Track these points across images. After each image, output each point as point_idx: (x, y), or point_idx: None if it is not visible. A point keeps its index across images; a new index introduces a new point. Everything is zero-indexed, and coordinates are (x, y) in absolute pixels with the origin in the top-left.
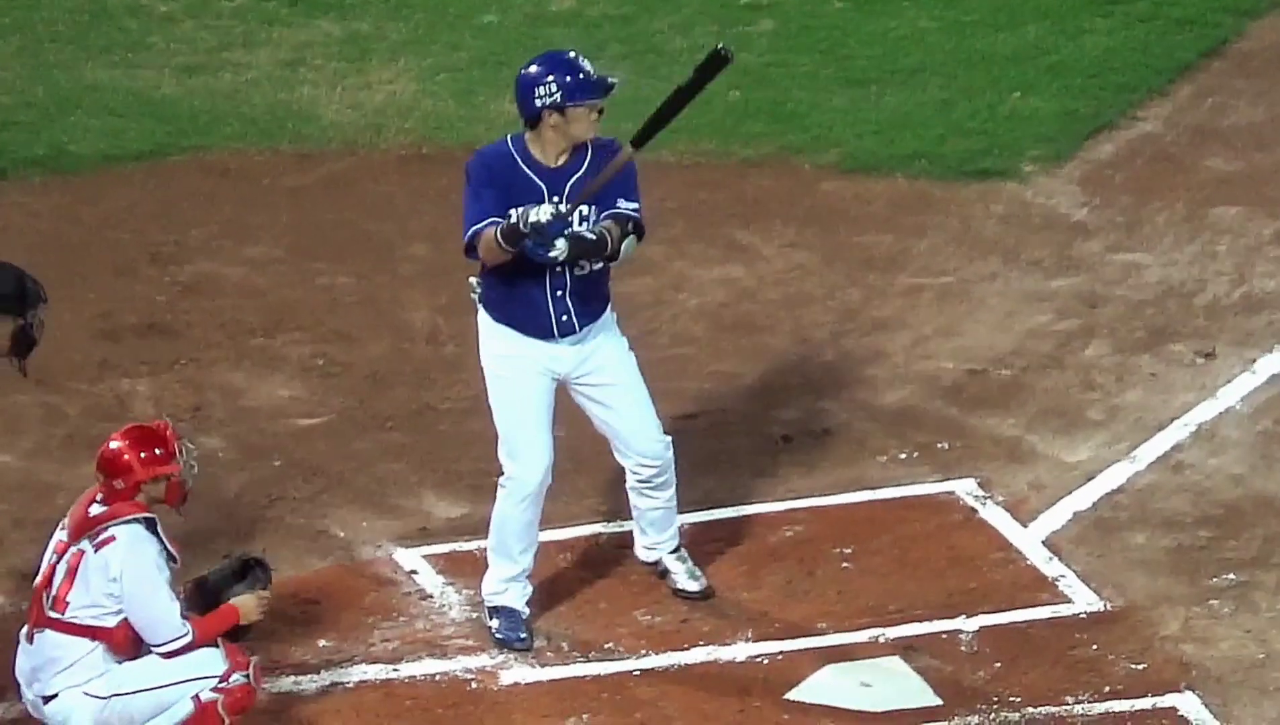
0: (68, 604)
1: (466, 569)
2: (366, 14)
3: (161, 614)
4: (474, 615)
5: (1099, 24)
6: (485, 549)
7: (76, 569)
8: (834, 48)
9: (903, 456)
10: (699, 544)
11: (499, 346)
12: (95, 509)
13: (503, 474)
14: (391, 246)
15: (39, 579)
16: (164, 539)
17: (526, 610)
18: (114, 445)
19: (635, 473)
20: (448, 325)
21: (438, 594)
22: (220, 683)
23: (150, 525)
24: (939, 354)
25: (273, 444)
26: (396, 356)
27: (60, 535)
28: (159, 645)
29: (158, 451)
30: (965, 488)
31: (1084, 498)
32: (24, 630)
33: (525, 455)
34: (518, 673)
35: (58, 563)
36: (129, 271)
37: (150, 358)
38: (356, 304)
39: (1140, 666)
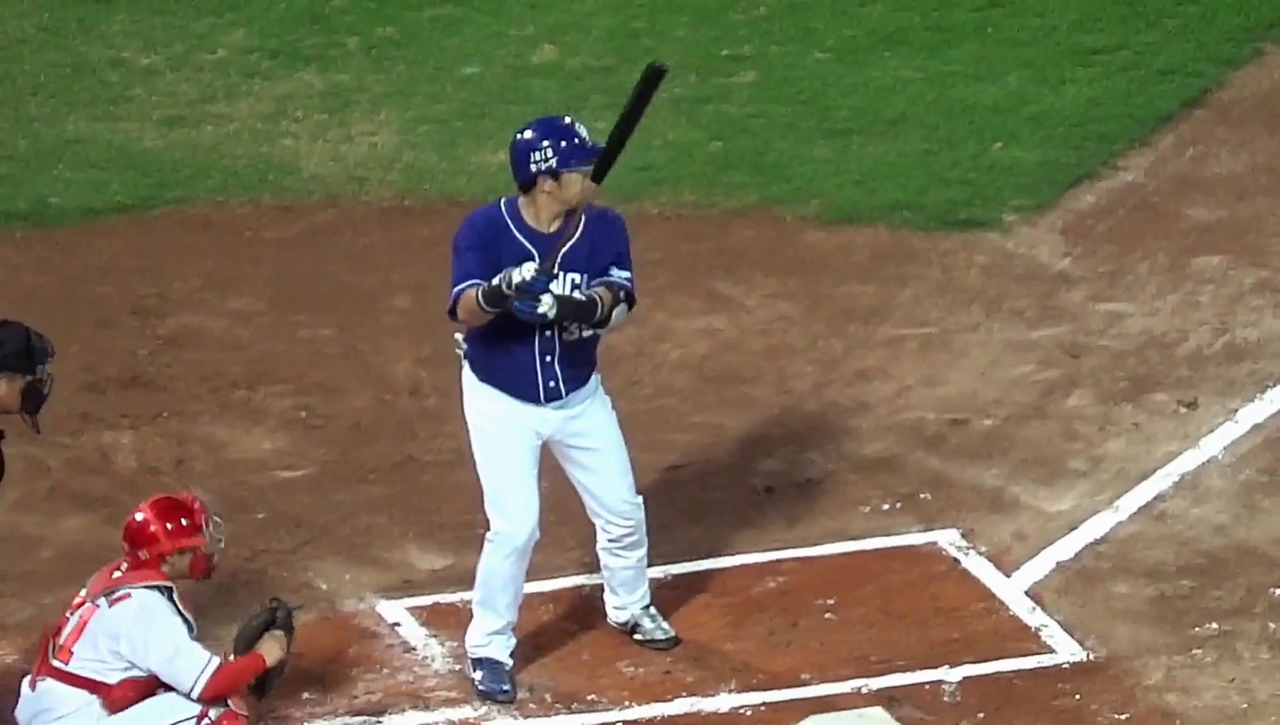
0: (73, 654)
1: (450, 621)
2: (348, 66)
3: (184, 651)
4: (457, 667)
5: (1080, 74)
6: (468, 601)
7: (87, 623)
8: (815, 98)
9: (885, 507)
10: (683, 594)
11: (484, 405)
12: (118, 575)
13: (489, 529)
14: (374, 298)
15: (49, 629)
16: (179, 607)
17: (510, 662)
18: (140, 516)
19: (606, 531)
20: (430, 377)
21: (421, 646)
22: (201, 720)
23: (167, 594)
24: (921, 404)
25: (255, 497)
26: (379, 408)
27: (80, 594)
28: (191, 686)
29: (184, 522)
30: (948, 538)
31: (1067, 548)
32: (27, 679)
33: (512, 511)
34: (501, 724)
35: (70, 615)
36: (111, 324)
37: (132, 411)
38: (339, 356)
39: (1124, 716)
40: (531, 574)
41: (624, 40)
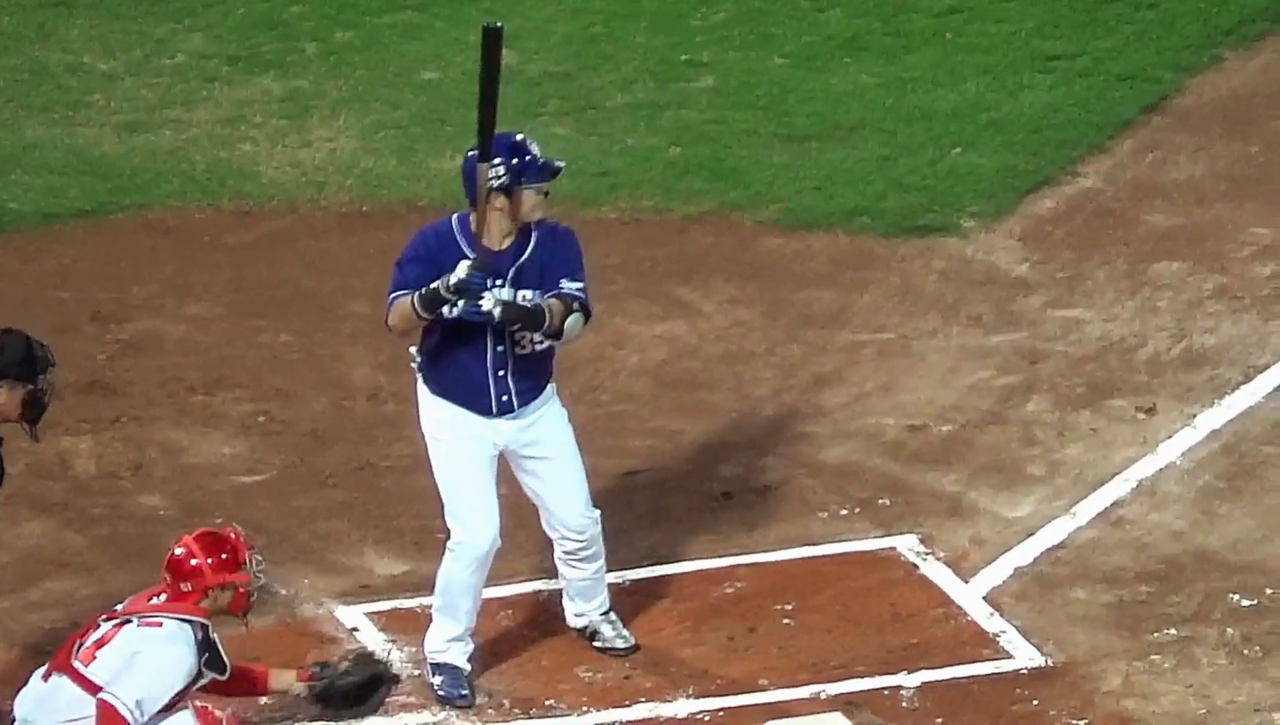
0: (95, 658)
1: (409, 626)
2: (307, 72)
3: (145, 687)
4: (416, 672)
5: (1039, 80)
6: (427, 606)
7: (116, 635)
8: (774, 104)
9: (844, 512)
10: (641, 600)
11: (439, 416)
12: (157, 601)
13: (450, 538)
14: (332, 304)
15: (76, 633)
16: (219, 646)
17: (468, 667)
18: (182, 549)
19: (561, 544)
20: (389, 383)
21: (380, 651)
22: None
23: (203, 631)
24: (880, 410)
25: (214, 502)
26: (337, 414)
27: (115, 609)
28: (108, 693)
29: (225, 557)
30: (906, 544)
31: (1025, 553)
32: (43, 669)
33: (472, 521)
34: None
35: (101, 623)
36: (70, 329)
37: (91, 416)
38: (297, 361)
39: (1082, 722)
40: (490, 579)
41: (582, 46)
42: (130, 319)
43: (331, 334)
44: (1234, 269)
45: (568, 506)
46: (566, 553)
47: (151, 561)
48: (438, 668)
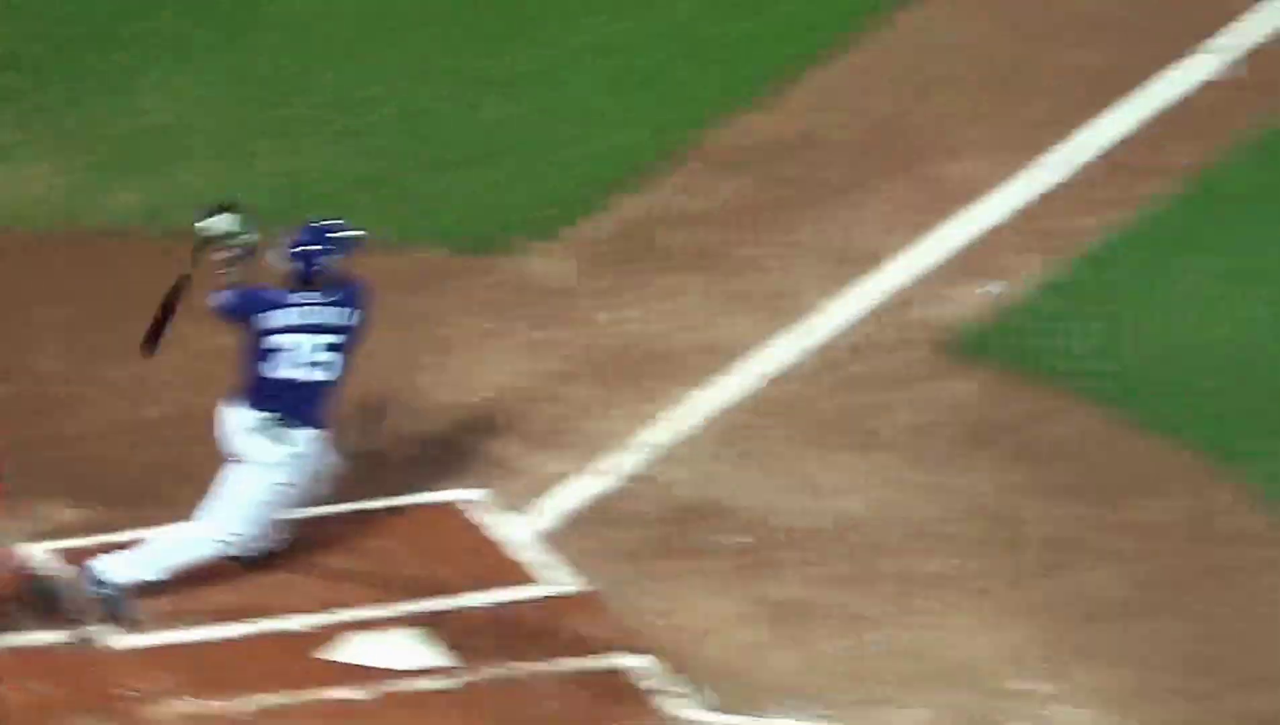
0: None
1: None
2: None
3: None
4: (83, 587)
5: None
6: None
7: None
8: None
9: (409, 469)
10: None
11: None
12: None
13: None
14: None
15: None
16: None
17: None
18: None
19: None
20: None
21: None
22: None
23: None
24: (447, 390)
25: None
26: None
27: None
28: None
29: None
30: (468, 496)
31: (567, 501)
32: None
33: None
34: (123, 640)
35: None
36: None
37: None
38: None
39: (609, 638)
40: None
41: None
42: None
43: None
44: (749, 274)
45: None
46: None
47: None
48: (103, 584)
